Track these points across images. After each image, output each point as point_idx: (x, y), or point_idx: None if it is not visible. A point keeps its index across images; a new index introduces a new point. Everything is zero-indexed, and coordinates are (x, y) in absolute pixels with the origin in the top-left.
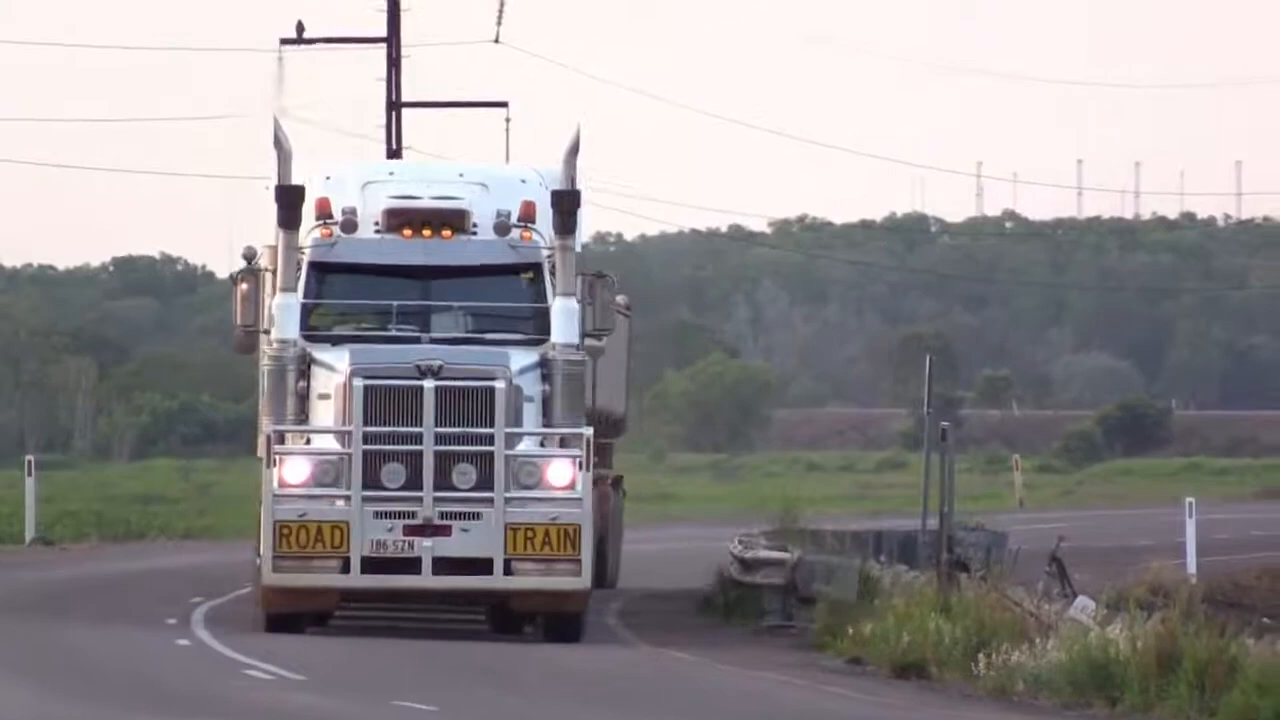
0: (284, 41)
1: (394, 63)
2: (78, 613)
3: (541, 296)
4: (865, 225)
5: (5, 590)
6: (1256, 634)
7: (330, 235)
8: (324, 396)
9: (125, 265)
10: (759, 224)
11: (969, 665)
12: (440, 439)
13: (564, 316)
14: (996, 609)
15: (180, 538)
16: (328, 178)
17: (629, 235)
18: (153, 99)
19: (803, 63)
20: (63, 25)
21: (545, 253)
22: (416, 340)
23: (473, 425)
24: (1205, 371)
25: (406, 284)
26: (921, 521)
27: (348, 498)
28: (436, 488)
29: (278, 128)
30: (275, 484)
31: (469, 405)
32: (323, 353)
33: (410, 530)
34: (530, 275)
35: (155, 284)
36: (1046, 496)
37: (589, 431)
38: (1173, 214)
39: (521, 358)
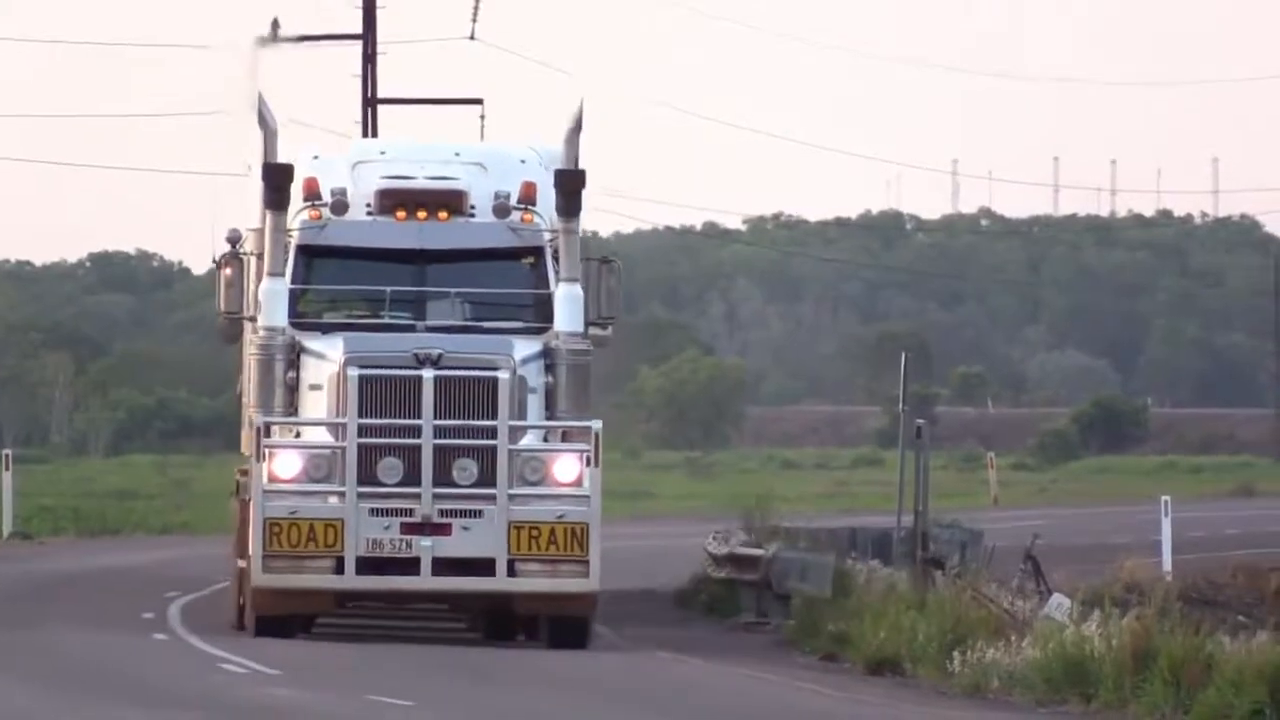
0: (260, 38)
1: (370, 59)
2: (55, 607)
3: (543, 282)
4: (840, 222)
5: None
6: (1231, 632)
7: (319, 217)
8: (315, 387)
9: (102, 261)
10: (734, 221)
11: (944, 662)
12: (440, 432)
13: (568, 303)
14: (971, 606)
15: (157, 533)
16: (315, 157)
17: (604, 232)
18: (129, 95)
19: (777, 59)
20: (38, 21)
21: (547, 236)
22: (411, 328)
23: (474, 418)
24: (1181, 369)
25: (400, 269)
26: (897, 518)
27: (342, 494)
28: (436, 484)
29: (262, 104)
30: (265, 479)
31: (470, 396)
32: (313, 341)
33: (408, 529)
34: (531, 260)
35: (132, 280)
36: (1021, 494)
37: (598, 425)
38: (1149, 211)
39: (524, 347)
